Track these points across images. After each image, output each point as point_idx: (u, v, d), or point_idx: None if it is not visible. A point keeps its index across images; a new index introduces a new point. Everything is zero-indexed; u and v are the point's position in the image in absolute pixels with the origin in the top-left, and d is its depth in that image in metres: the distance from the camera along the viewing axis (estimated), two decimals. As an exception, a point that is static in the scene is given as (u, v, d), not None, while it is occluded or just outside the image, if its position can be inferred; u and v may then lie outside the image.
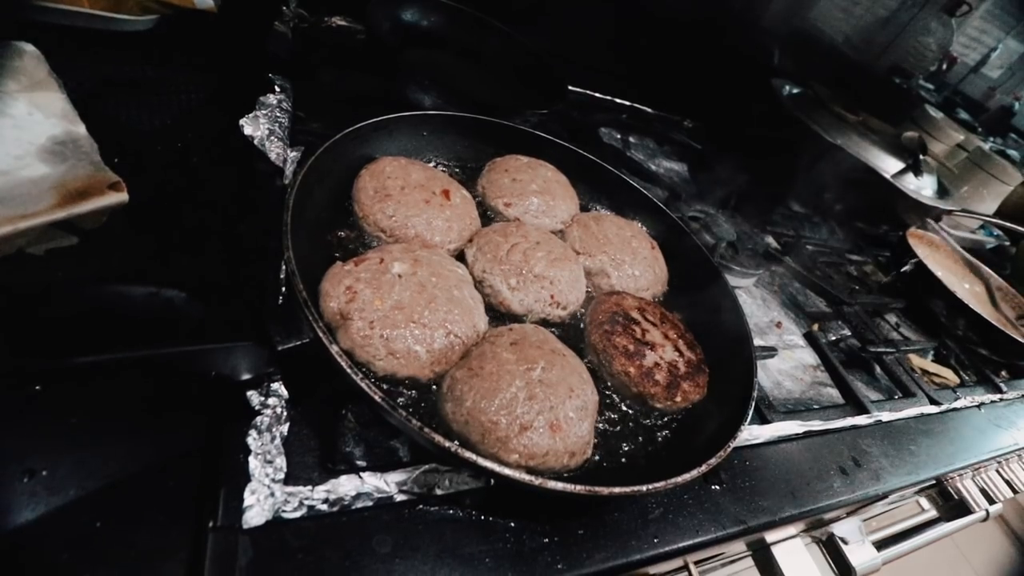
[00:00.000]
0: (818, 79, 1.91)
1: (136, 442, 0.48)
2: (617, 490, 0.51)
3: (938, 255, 1.84)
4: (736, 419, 0.67)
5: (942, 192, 1.83)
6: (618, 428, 0.70)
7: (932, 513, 1.44)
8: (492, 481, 0.57)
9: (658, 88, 1.79)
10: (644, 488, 0.53)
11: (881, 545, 1.21)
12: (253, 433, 0.50)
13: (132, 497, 0.46)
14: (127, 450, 0.48)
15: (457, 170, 0.96)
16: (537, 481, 0.48)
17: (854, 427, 0.98)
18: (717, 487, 0.71)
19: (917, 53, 2.39)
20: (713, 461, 0.60)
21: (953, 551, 2.92)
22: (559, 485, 0.49)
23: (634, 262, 0.88)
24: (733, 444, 0.63)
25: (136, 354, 0.40)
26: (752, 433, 0.82)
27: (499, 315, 0.75)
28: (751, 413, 0.69)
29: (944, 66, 2.48)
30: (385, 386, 0.59)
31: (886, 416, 1.05)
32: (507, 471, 0.48)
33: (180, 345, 0.42)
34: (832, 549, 1.15)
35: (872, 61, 2.32)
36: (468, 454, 0.48)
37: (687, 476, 0.57)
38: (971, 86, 2.89)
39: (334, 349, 0.50)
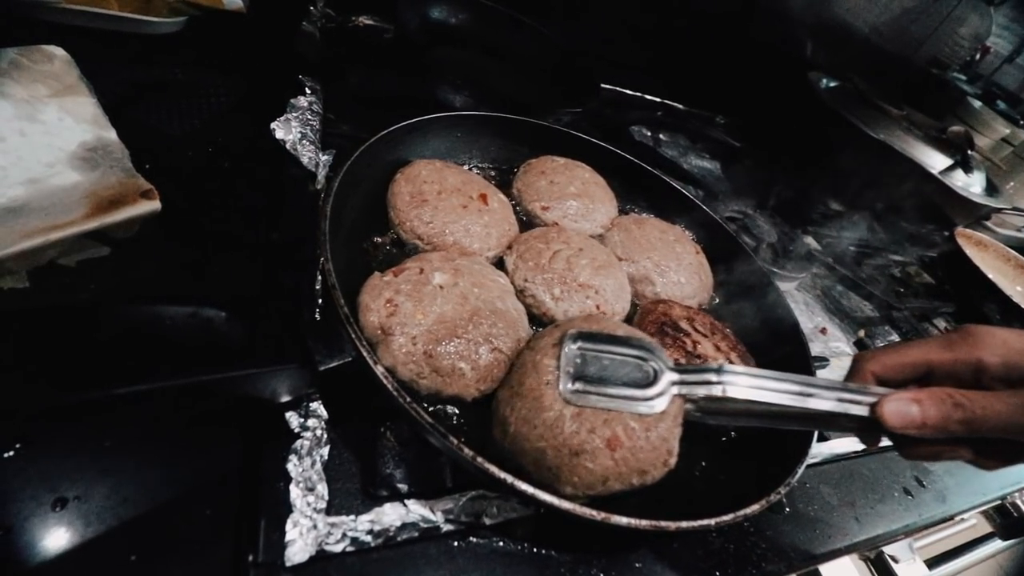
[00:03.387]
0: (854, 72, 1.83)
1: (172, 468, 0.46)
2: (685, 524, 0.47)
3: (987, 255, 1.75)
4: (803, 438, 0.62)
5: (990, 189, 1.74)
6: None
7: (984, 527, 1.37)
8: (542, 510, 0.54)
9: (689, 84, 1.73)
10: (712, 522, 0.49)
11: (932, 563, 1.14)
12: (293, 459, 0.47)
13: (168, 527, 0.44)
14: (163, 476, 0.45)
15: (492, 172, 0.92)
16: (600, 516, 0.44)
17: (913, 443, 0.91)
18: (779, 513, 0.66)
19: (954, 43, 2.30)
20: (783, 490, 0.55)
21: (991, 563, 2.80)
22: (623, 520, 0.45)
23: (679, 268, 0.84)
24: (802, 469, 0.58)
25: (177, 382, 0.37)
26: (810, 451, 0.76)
27: (542, 327, 0.71)
28: (816, 433, 0.64)
29: (978, 56, 2.38)
30: (429, 407, 0.56)
31: (946, 430, 0.98)
32: (566, 505, 0.44)
33: (222, 371, 0.39)
34: (881, 567, 1.09)
35: (908, 53, 2.22)
36: (524, 486, 0.44)
37: (755, 507, 0.52)
38: (1006, 77, 2.76)
39: (379, 369, 0.46)
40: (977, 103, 2.17)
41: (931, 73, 2.27)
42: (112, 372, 0.36)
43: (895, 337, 1.29)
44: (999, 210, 1.67)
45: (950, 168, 1.60)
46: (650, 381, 0.49)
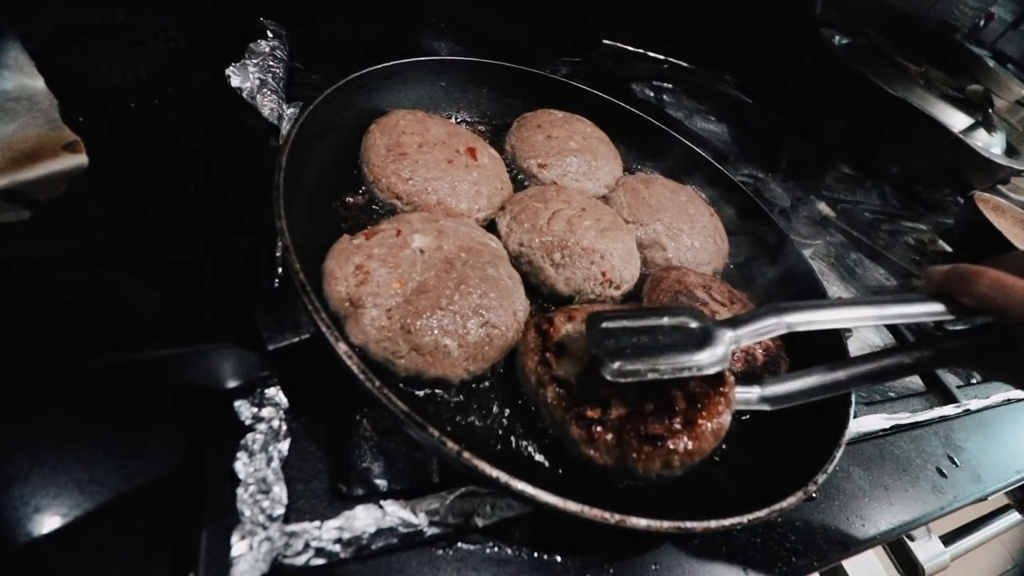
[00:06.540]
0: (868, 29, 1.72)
1: (94, 471, 0.37)
2: (714, 524, 0.39)
3: (1004, 221, 1.67)
4: (838, 418, 0.54)
5: (1010, 151, 1.65)
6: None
7: (999, 499, 1.32)
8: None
9: (693, 41, 1.61)
10: (744, 519, 0.41)
11: (948, 539, 1.09)
12: (243, 456, 0.39)
13: (89, 543, 0.36)
14: (83, 481, 0.37)
15: (481, 127, 0.82)
16: (615, 519, 0.37)
17: (943, 419, 0.85)
18: (808, 501, 0.59)
19: (963, 4, 2.22)
20: (820, 477, 0.48)
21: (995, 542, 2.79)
22: (642, 522, 0.37)
23: (692, 231, 0.75)
24: (840, 452, 0.51)
25: (58, 368, 0.29)
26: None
27: (541, 296, 0.62)
28: (852, 410, 0.56)
29: (982, 23, 2.30)
30: (409, 390, 0.48)
31: (975, 404, 0.91)
32: (573, 507, 0.37)
33: (122, 351, 0.31)
34: (897, 547, 1.04)
35: (919, 14, 2.14)
36: (522, 486, 0.36)
37: (792, 500, 0.45)
38: (1008, 44, 2.68)
39: (341, 348, 0.38)
40: (991, 63, 2.07)
41: (943, 34, 2.18)
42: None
43: (914, 306, 1.21)
44: (1021, 172, 1.58)
45: (971, 128, 1.51)
46: (702, 342, 0.44)
